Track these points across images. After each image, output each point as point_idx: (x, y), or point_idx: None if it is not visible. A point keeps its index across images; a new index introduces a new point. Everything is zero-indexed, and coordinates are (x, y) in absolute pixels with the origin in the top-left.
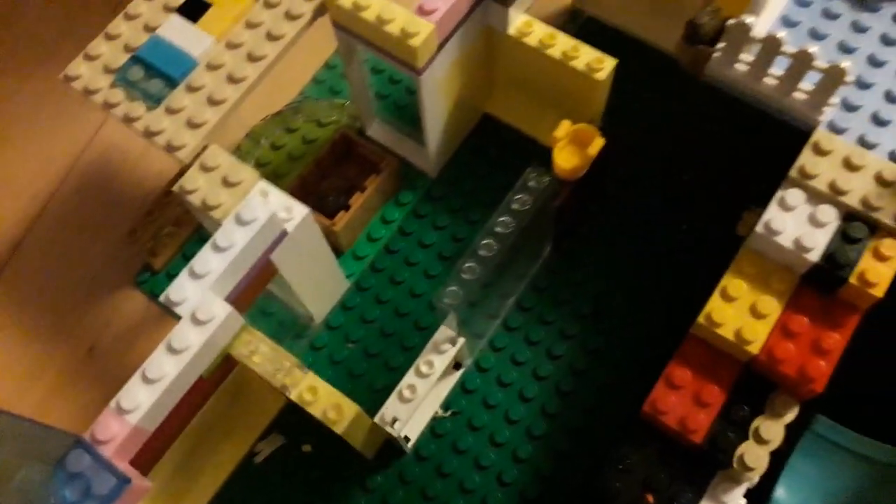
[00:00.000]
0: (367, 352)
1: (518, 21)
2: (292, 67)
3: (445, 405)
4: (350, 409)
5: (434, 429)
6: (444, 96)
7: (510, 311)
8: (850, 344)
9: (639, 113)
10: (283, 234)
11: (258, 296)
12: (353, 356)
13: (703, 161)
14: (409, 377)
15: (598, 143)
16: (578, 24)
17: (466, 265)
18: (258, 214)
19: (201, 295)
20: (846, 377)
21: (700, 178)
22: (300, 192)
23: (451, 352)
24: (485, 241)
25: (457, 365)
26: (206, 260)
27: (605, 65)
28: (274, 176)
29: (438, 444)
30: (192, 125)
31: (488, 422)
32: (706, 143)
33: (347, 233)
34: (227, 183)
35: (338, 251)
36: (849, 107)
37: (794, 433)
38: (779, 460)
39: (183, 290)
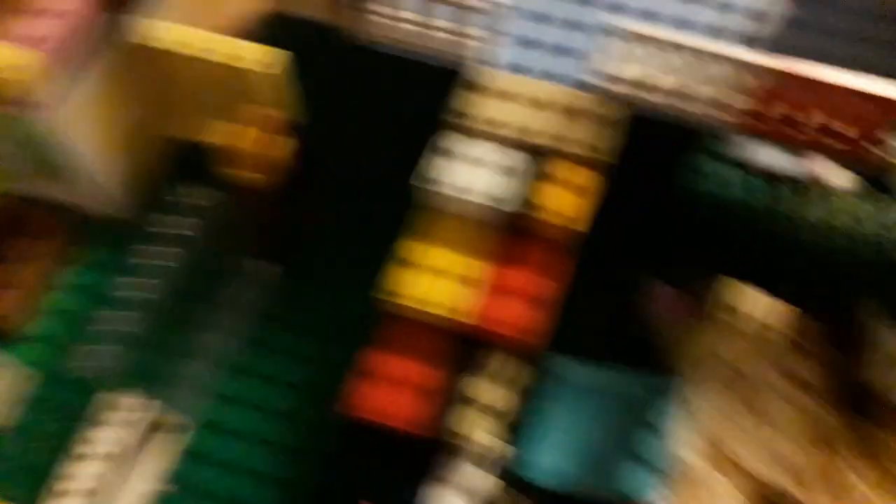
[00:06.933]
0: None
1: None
2: None
3: (171, 478)
4: None
5: None
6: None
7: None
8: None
9: (337, 102)
10: None
11: None
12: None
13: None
14: (64, 466)
15: (286, 145)
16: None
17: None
18: None
19: None
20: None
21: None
22: None
23: (116, 420)
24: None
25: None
26: None
27: (276, 58)
28: None
29: None
30: None
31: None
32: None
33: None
34: None
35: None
36: (496, 34)
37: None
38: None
39: None
